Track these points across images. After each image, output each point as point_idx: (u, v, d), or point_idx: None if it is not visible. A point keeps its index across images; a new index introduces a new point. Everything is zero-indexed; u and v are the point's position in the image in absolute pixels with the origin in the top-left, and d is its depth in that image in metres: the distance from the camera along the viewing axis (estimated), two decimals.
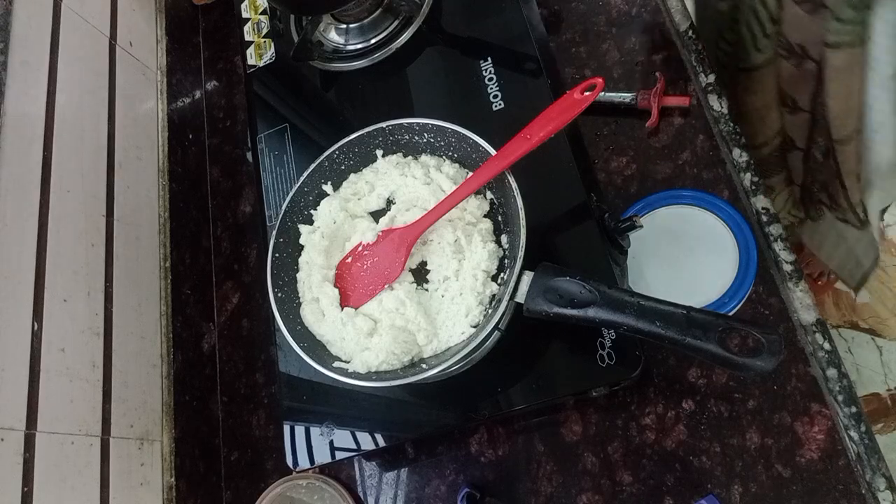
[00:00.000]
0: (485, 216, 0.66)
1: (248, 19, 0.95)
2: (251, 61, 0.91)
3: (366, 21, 0.83)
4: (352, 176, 0.72)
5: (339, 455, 0.70)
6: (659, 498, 0.63)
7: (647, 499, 0.63)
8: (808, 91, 0.79)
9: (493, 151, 0.62)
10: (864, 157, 0.80)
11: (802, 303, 0.63)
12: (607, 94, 0.75)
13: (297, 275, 0.69)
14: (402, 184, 0.69)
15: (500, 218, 0.66)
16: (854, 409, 0.59)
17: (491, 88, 0.74)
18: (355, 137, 0.70)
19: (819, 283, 1.47)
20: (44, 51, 0.79)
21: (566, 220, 0.67)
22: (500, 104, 0.73)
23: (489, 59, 0.75)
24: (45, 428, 0.65)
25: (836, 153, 0.81)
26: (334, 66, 0.85)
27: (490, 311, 0.61)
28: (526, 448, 0.69)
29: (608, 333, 0.61)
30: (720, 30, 0.79)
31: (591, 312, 0.53)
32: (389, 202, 0.70)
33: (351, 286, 0.66)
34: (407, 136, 0.69)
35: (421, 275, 0.65)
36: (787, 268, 0.65)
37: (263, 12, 0.94)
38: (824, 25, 0.68)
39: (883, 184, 0.80)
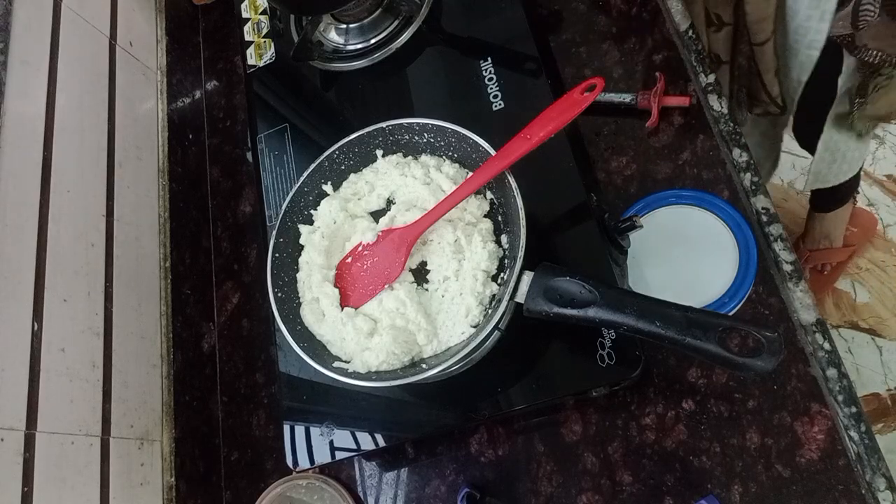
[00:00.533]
0: (485, 216, 0.66)
1: (248, 19, 0.95)
2: (251, 61, 0.91)
3: (366, 21, 0.83)
4: (352, 176, 0.72)
5: (339, 455, 0.70)
6: (659, 498, 0.63)
7: (647, 499, 0.63)
8: (731, 4, 0.83)
9: (493, 151, 0.62)
10: (788, 59, 0.87)
11: (802, 303, 0.63)
12: (607, 94, 0.75)
13: (297, 275, 0.69)
14: (402, 184, 0.69)
15: (500, 218, 0.66)
16: (854, 409, 0.59)
17: (491, 88, 0.74)
18: (355, 137, 0.70)
19: (824, 273, 1.47)
20: (44, 51, 0.79)
21: (566, 220, 0.67)
22: (500, 104, 0.73)
23: (489, 59, 0.75)
24: (45, 428, 0.65)
25: (755, 55, 0.85)
26: (334, 66, 0.85)
27: (490, 312, 0.61)
28: (526, 448, 0.69)
29: (608, 333, 0.61)
30: None
31: (591, 312, 0.53)
32: (389, 202, 0.70)
33: (351, 286, 0.66)
34: (407, 136, 0.69)
35: (421, 275, 0.65)
36: (787, 268, 0.65)
37: (263, 12, 0.94)
38: None
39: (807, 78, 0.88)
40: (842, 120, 0.96)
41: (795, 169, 1.63)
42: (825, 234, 1.42)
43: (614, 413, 0.66)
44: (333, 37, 0.86)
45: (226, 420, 0.86)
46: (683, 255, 0.68)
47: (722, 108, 0.72)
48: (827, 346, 0.61)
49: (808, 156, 1.07)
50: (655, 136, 0.74)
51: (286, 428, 0.72)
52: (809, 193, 1.40)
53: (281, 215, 0.70)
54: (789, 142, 1.19)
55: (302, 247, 0.70)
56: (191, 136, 1.01)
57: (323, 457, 0.70)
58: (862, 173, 1.57)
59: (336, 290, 0.66)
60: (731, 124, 0.71)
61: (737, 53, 0.89)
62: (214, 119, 1.03)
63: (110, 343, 0.77)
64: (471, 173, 0.65)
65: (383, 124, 0.69)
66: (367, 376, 0.61)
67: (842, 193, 1.32)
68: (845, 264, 1.50)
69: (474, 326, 0.61)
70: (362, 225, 0.68)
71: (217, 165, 1.00)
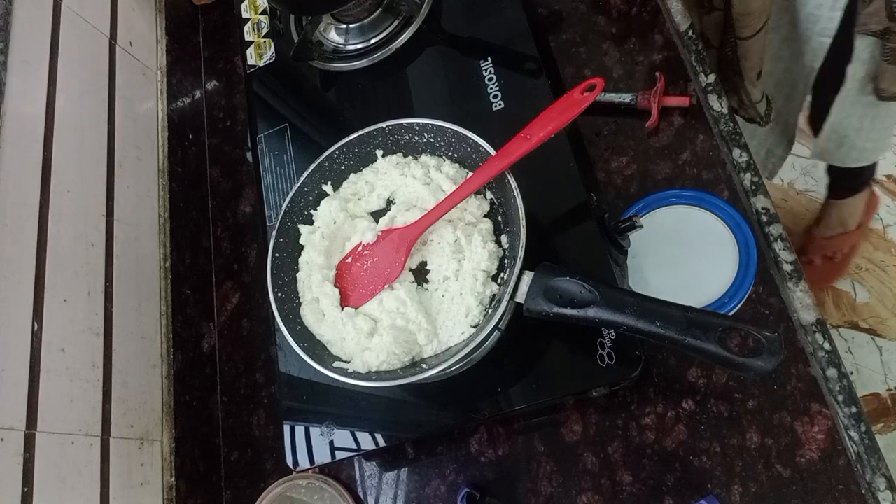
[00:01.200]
0: (485, 216, 0.66)
1: (248, 19, 0.95)
2: (251, 61, 0.91)
3: (366, 21, 0.83)
4: (352, 176, 0.72)
5: (339, 455, 0.70)
6: (659, 498, 0.63)
7: (647, 499, 0.63)
8: None
9: (493, 151, 0.62)
10: (800, 46, 0.87)
11: (802, 303, 0.63)
12: (607, 94, 0.75)
13: (297, 275, 0.69)
14: (402, 184, 0.69)
15: (500, 218, 0.66)
16: (854, 409, 0.59)
17: (491, 88, 0.74)
18: (355, 137, 0.70)
19: (835, 260, 1.47)
20: (44, 51, 0.79)
21: (566, 220, 0.67)
22: (500, 104, 0.73)
23: (489, 59, 0.75)
24: (45, 428, 0.65)
25: (738, 49, 0.85)
26: (334, 66, 0.85)
27: (490, 312, 0.61)
28: (526, 448, 0.69)
29: (608, 333, 0.61)
30: None
31: (591, 312, 0.53)
32: (389, 202, 0.70)
33: (351, 286, 0.66)
34: (407, 136, 0.69)
35: (421, 275, 0.65)
36: (787, 268, 0.65)
37: (263, 12, 0.94)
38: None
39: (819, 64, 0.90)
40: (863, 86, 0.94)
41: (795, 169, 1.63)
42: (841, 220, 1.41)
43: (614, 413, 0.66)
44: (333, 37, 0.86)
45: (226, 420, 0.86)
46: (683, 255, 0.68)
47: (722, 108, 0.72)
48: (827, 346, 0.61)
49: (808, 155, 1.07)
50: (655, 136, 0.74)
51: (286, 428, 0.72)
52: (809, 189, 1.40)
53: (281, 215, 0.70)
54: None
55: (302, 247, 0.70)
56: (191, 136, 1.01)
57: (323, 457, 0.70)
58: None
59: (336, 290, 0.66)
60: (731, 124, 0.71)
61: (724, 44, 0.89)
62: (214, 119, 1.03)
63: (110, 343, 0.77)
64: (471, 173, 0.65)
65: (383, 124, 0.69)
66: (367, 376, 0.61)
67: (858, 181, 1.32)
68: (858, 246, 1.49)
69: (474, 326, 0.61)
70: (362, 225, 0.68)
71: (217, 165, 1.00)
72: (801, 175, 1.63)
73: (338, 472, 0.76)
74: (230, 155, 1.00)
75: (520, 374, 0.64)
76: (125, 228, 0.84)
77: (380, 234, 0.66)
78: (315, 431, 0.70)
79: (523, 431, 0.69)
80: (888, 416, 1.39)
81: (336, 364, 0.63)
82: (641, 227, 0.62)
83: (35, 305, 0.68)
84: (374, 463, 0.75)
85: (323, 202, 0.70)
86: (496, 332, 0.62)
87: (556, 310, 0.54)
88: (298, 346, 0.63)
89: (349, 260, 0.67)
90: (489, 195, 0.67)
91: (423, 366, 0.60)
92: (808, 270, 1.48)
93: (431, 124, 0.67)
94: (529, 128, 0.60)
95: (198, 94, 1.05)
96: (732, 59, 0.89)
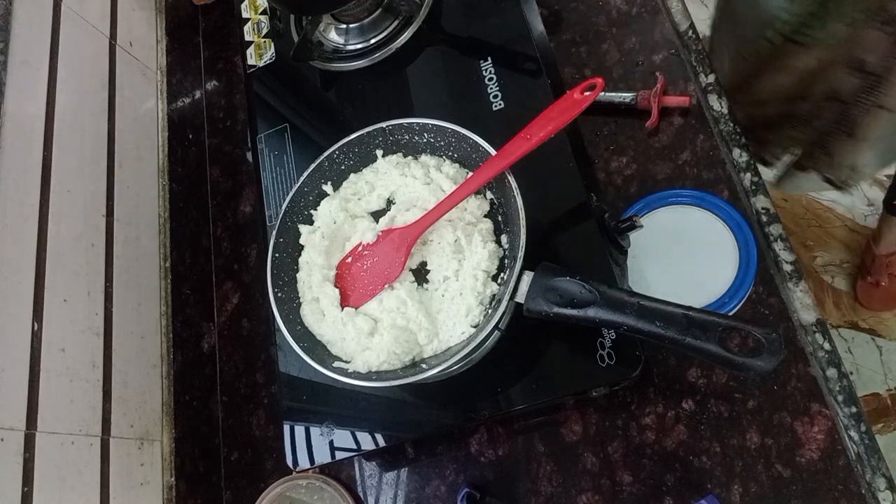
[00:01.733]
0: (485, 216, 0.66)
1: (248, 19, 0.95)
2: (251, 61, 0.91)
3: (366, 21, 0.83)
4: (352, 176, 0.72)
5: (339, 455, 0.70)
6: (659, 498, 0.63)
7: (647, 499, 0.63)
8: (882, 54, 0.79)
9: (493, 151, 0.62)
10: None
11: (802, 303, 0.63)
12: (607, 94, 0.75)
13: (297, 275, 0.69)
14: (402, 184, 0.69)
15: (500, 218, 0.66)
16: (854, 409, 0.59)
17: (491, 88, 0.74)
18: (355, 137, 0.70)
19: (879, 286, 1.45)
20: (44, 51, 0.79)
21: (566, 220, 0.67)
22: (500, 104, 0.73)
23: (489, 59, 0.75)
24: (45, 428, 0.65)
25: (867, 114, 0.82)
26: (334, 66, 0.85)
27: (490, 311, 0.61)
28: (526, 448, 0.69)
29: (608, 333, 0.61)
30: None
31: (591, 312, 0.53)
32: (389, 202, 0.70)
33: (351, 286, 0.66)
34: (407, 136, 0.69)
35: (421, 275, 0.65)
36: (787, 268, 0.65)
37: (263, 12, 0.94)
38: None
39: None
40: None
41: None
42: None
43: (614, 413, 0.66)
44: (333, 37, 0.86)
45: (226, 420, 0.86)
46: (683, 255, 0.68)
47: (722, 108, 0.72)
48: (827, 346, 0.61)
49: None
50: (655, 136, 0.74)
51: (286, 428, 0.72)
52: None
53: (281, 215, 0.70)
54: None
55: (302, 247, 0.70)
56: (191, 136, 1.01)
57: (323, 457, 0.70)
58: None
59: (336, 290, 0.66)
60: (731, 124, 0.71)
61: (856, 104, 0.84)
62: (214, 119, 1.03)
63: (110, 343, 0.77)
64: (471, 173, 0.65)
65: (383, 124, 0.69)
66: (368, 376, 0.61)
67: None
68: None
69: (474, 326, 0.61)
70: (362, 225, 0.68)
71: (217, 165, 1.00)
72: None
73: (338, 472, 0.76)
74: (230, 155, 1.00)
75: (520, 374, 0.64)
76: (125, 228, 0.84)
77: (380, 234, 0.66)
78: (315, 431, 0.70)
79: (523, 431, 0.69)
80: (888, 416, 1.39)
81: (336, 364, 0.63)
82: (641, 227, 0.62)
83: (35, 305, 0.68)
84: (374, 463, 0.75)
85: (323, 202, 0.70)
86: (496, 332, 0.62)
87: (556, 310, 0.54)
88: (298, 346, 0.63)
89: (349, 260, 0.67)
90: (489, 195, 0.67)
91: (424, 366, 0.60)
92: (877, 292, 1.45)
93: (431, 124, 0.67)
94: (529, 128, 0.60)
95: (198, 94, 1.05)
96: (856, 119, 0.85)
